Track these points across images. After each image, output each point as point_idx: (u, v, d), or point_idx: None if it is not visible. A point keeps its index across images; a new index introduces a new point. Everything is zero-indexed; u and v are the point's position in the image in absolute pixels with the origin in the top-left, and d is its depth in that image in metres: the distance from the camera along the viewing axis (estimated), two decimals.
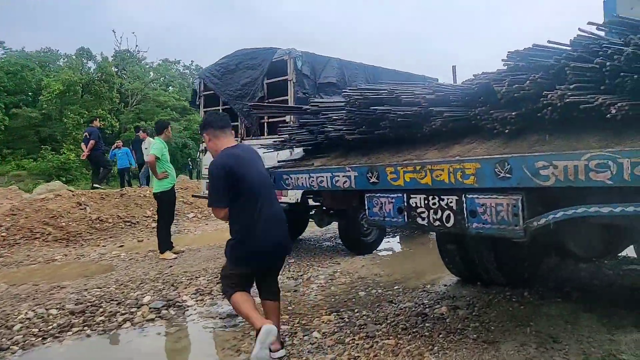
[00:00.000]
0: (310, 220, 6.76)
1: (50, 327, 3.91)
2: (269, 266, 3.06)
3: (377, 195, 2.86)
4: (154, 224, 7.54)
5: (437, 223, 2.48)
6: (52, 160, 26.16)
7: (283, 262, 3.29)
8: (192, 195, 8.28)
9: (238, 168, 2.87)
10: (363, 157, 3.08)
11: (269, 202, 3.00)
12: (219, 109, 6.92)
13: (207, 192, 7.26)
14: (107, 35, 48.79)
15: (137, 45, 35.25)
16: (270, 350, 2.70)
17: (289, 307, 4.15)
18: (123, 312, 4.23)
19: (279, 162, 4.08)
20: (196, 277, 5.29)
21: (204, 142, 7.06)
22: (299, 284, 4.99)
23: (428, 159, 2.49)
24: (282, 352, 2.92)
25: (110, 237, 7.59)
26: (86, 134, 11.74)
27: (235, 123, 6.61)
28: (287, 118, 5.52)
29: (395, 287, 4.63)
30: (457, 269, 4.51)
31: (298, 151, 4.21)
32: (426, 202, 2.53)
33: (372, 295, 4.42)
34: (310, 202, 5.91)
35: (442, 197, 2.44)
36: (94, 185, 11.05)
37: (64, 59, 32.61)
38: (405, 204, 2.66)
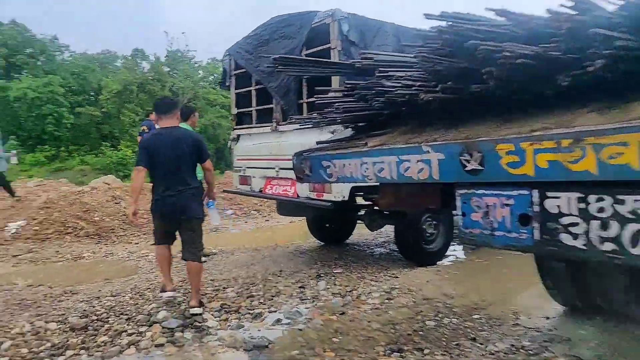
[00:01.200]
0: (358, 221, 5.72)
1: (43, 347, 3.17)
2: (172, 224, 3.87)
3: (480, 192, 1.78)
4: None
5: (609, 247, 1.35)
6: (111, 156, 27.04)
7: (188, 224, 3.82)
8: (223, 191, 7.48)
9: (154, 146, 3.71)
10: (449, 131, 1.99)
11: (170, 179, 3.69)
12: (251, 90, 6.01)
13: (240, 186, 6.52)
14: (160, 36, 50.13)
15: (187, 45, 35.78)
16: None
17: (334, 339, 3.15)
18: (130, 331, 3.42)
19: (317, 142, 3.07)
20: (223, 287, 4.41)
21: (235, 129, 6.60)
22: (347, 303, 3.98)
23: (584, 125, 1.37)
24: (198, 310, 3.68)
25: (144, 234, 6.94)
26: (144, 127, 11.51)
27: (269, 105, 5.71)
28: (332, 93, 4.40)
29: (476, 317, 3.48)
30: (564, 295, 3.29)
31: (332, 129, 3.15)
32: (584, 205, 1.41)
33: (446, 327, 3.30)
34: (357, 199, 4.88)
35: (620, 197, 1.33)
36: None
37: (121, 60, 33.62)
38: (537, 208, 1.55)
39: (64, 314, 3.74)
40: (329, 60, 3.78)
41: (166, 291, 3.91)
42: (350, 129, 3.16)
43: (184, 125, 5.73)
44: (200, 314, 3.63)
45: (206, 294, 4.22)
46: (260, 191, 5.75)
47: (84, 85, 31.30)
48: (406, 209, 3.59)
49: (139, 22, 56.10)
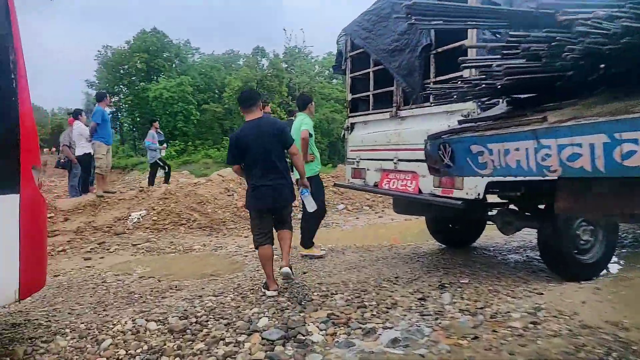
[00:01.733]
0: (488, 223, 4.73)
1: (139, 350, 2.91)
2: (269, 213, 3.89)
3: None
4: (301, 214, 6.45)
5: None
6: None
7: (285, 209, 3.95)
8: (334, 185, 6.92)
9: (243, 140, 3.78)
10: None
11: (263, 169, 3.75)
12: (368, 72, 5.31)
13: (352, 180, 5.89)
14: (279, 34, 52.12)
15: (304, 41, 36.43)
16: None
17: None
18: (228, 339, 3.00)
19: (459, 121, 2.25)
20: (332, 293, 3.83)
21: (349, 117, 6.05)
22: (479, 324, 3.10)
23: None
24: (287, 270, 3.84)
25: None
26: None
27: (389, 88, 4.95)
28: (466, 73, 3.49)
29: None
30: None
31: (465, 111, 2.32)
32: None
33: None
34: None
35: None
36: None
37: (243, 59, 35.58)
38: None
39: (165, 313, 3.49)
40: (489, 7, 2.82)
41: (269, 290, 3.80)
42: (504, 102, 2.30)
43: (301, 114, 5.32)
44: (290, 274, 3.85)
45: (312, 300, 3.68)
46: (375, 185, 5.05)
47: (210, 84, 33.93)
48: (600, 215, 2.59)
49: (260, 22, 59.22)
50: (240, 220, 6.98)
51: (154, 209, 7.05)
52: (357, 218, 8.17)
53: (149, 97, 30.92)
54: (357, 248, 5.69)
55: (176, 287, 4.21)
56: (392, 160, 4.76)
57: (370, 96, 5.35)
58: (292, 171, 4.51)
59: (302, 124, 5.13)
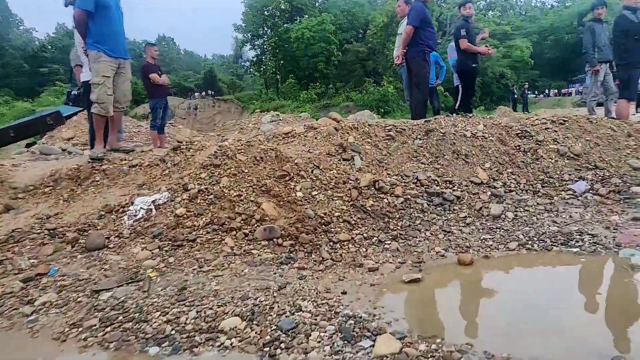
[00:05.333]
0: None
1: None
2: None
3: None
4: None
5: None
6: (374, 93, 26.89)
7: None
8: None
9: None
10: None
11: None
12: None
13: None
14: None
15: None
16: None
17: None
18: None
19: None
20: None
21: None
22: None
23: None
24: None
25: None
26: None
27: None
28: None
29: None
30: None
31: None
32: None
33: None
34: None
35: None
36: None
37: None
38: None
39: None
40: None
41: None
42: None
43: None
44: None
45: None
46: None
47: (353, 22, 31.86)
48: None
49: None
50: (360, 224, 2.89)
51: (185, 189, 3.11)
52: None
53: (291, 39, 30.28)
54: None
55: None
56: None
57: None
58: None
59: None
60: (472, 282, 2.26)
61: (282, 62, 34.01)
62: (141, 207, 3.15)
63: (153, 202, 3.15)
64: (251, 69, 41.28)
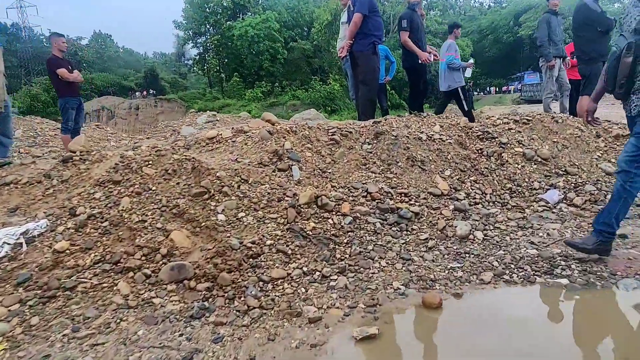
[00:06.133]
0: None
1: None
2: None
3: None
4: None
5: None
6: (320, 91, 26.45)
7: None
8: None
9: None
10: None
11: None
12: None
13: None
14: None
15: None
16: None
17: None
18: None
19: None
20: None
21: None
22: None
23: None
24: None
25: None
26: None
27: None
28: None
29: None
30: None
31: None
32: None
33: None
34: None
35: None
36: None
37: None
38: None
39: None
40: None
41: None
42: None
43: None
44: None
45: None
46: None
47: (298, 19, 31.25)
48: None
49: None
50: (299, 255, 2.27)
51: (73, 214, 2.37)
52: None
53: (234, 37, 29.20)
54: None
55: None
56: None
57: None
58: None
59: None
60: (445, 336, 1.72)
61: (225, 60, 32.81)
62: (4, 242, 2.35)
63: (24, 233, 2.40)
64: (194, 68, 39.69)
